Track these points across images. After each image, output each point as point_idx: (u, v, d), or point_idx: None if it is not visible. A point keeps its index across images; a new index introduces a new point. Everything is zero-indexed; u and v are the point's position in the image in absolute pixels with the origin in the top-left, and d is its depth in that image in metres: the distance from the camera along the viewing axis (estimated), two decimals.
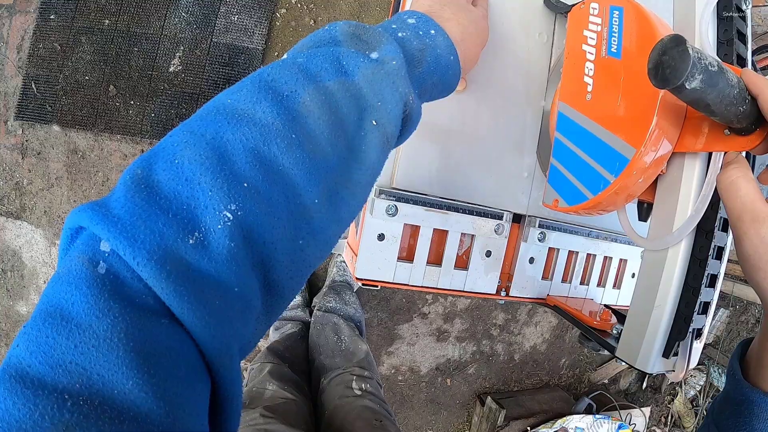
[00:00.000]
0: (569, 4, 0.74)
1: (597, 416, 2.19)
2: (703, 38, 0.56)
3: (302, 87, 0.41)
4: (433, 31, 0.55)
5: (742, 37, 0.58)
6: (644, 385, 2.85)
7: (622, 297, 0.99)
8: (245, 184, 0.35)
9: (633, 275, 0.99)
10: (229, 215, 0.34)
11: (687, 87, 0.40)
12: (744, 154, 0.50)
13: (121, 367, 0.28)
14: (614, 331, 0.72)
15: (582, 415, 2.17)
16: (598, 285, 0.97)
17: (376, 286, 0.76)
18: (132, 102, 1.83)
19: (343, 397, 1.13)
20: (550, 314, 2.46)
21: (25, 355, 0.27)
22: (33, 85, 1.85)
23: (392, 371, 2.22)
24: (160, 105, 1.84)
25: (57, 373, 0.27)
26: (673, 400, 2.89)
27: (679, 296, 0.57)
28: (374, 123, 0.45)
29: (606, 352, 0.72)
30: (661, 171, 0.58)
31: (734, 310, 2.90)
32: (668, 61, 0.40)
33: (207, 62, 1.87)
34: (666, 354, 0.58)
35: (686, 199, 0.56)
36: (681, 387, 2.88)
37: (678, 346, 0.57)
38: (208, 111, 0.39)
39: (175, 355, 0.31)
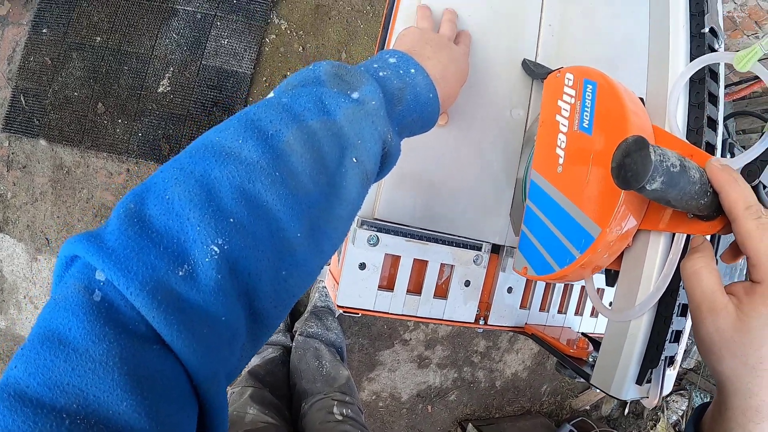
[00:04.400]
0: (545, 71, 0.75)
1: None
2: (672, 124, 0.57)
3: (286, 126, 0.43)
4: (413, 70, 0.57)
5: (712, 124, 0.59)
6: (626, 411, 2.86)
7: (599, 325, 1.01)
8: (231, 220, 0.37)
9: (610, 304, 1.00)
10: (216, 249, 0.35)
11: (647, 188, 0.41)
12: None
13: (116, 389, 0.29)
14: (590, 359, 0.73)
15: None
16: (576, 314, 0.98)
17: (357, 314, 0.77)
18: (120, 120, 1.82)
19: (324, 422, 1.13)
20: (532, 342, 2.45)
21: (24, 376, 0.29)
22: (22, 98, 1.84)
23: (373, 397, 2.21)
24: (148, 125, 1.84)
25: (55, 394, 0.28)
26: (655, 425, 2.89)
27: (652, 325, 0.58)
28: (354, 160, 0.47)
29: (579, 378, 0.73)
30: (627, 244, 0.58)
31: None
32: (630, 164, 0.41)
33: (196, 84, 1.87)
34: (639, 381, 0.59)
35: (649, 274, 0.57)
36: (663, 412, 2.89)
37: (651, 373, 0.58)
38: (197, 148, 0.40)
39: (166, 379, 0.32)
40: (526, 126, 0.80)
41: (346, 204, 0.47)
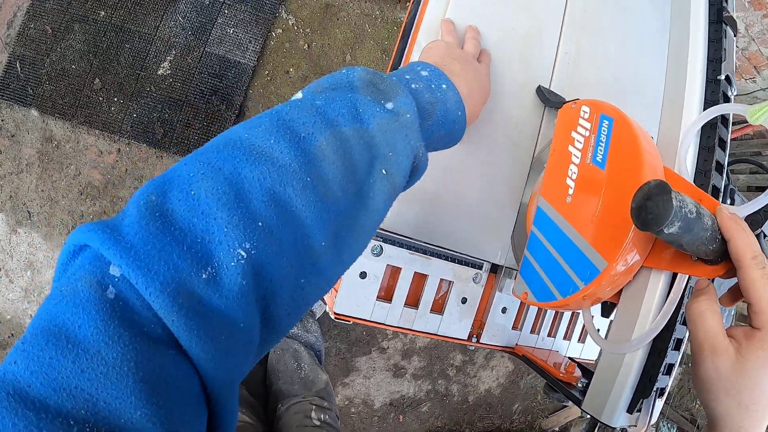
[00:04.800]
0: (559, 101, 0.76)
1: None
2: (681, 167, 0.59)
3: (319, 130, 0.42)
4: (444, 86, 0.57)
5: (719, 168, 0.61)
6: None
7: (585, 351, 1.03)
8: (260, 223, 0.36)
9: (598, 330, 1.02)
10: (243, 253, 0.34)
11: (665, 232, 0.43)
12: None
13: (130, 396, 0.28)
14: (579, 384, 0.74)
15: None
16: (564, 338, 1.00)
17: (349, 321, 0.78)
18: (115, 99, 1.81)
19: (301, 426, 1.13)
20: (507, 359, 2.49)
21: (25, 373, 0.27)
22: (18, 65, 1.81)
23: (346, 402, 2.22)
24: (144, 106, 1.82)
25: (61, 397, 0.26)
26: None
27: (647, 357, 0.60)
28: (384, 172, 0.46)
29: (566, 402, 0.74)
30: (630, 279, 0.60)
31: (686, 367, 2.98)
32: (652, 207, 0.43)
33: (197, 71, 1.86)
34: (630, 410, 0.61)
35: (648, 310, 0.59)
36: None
37: (642, 403, 0.61)
38: (225, 143, 0.39)
39: (180, 386, 0.31)
40: (534, 151, 0.82)
41: (371, 215, 0.46)
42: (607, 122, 0.62)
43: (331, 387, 1.41)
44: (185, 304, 0.31)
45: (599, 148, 0.62)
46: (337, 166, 0.42)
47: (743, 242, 0.46)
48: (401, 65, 0.75)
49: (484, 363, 2.44)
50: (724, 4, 0.66)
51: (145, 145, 1.83)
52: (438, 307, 0.83)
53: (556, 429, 2.75)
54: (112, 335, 0.29)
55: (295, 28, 1.95)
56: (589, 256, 0.58)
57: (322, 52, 1.99)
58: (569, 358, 0.92)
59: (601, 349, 0.65)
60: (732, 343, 0.46)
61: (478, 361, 2.42)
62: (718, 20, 0.66)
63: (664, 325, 0.57)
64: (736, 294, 0.52)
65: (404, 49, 0.77)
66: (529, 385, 2.66)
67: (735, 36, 0.67)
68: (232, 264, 0.34)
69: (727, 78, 0.64)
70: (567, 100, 0.79)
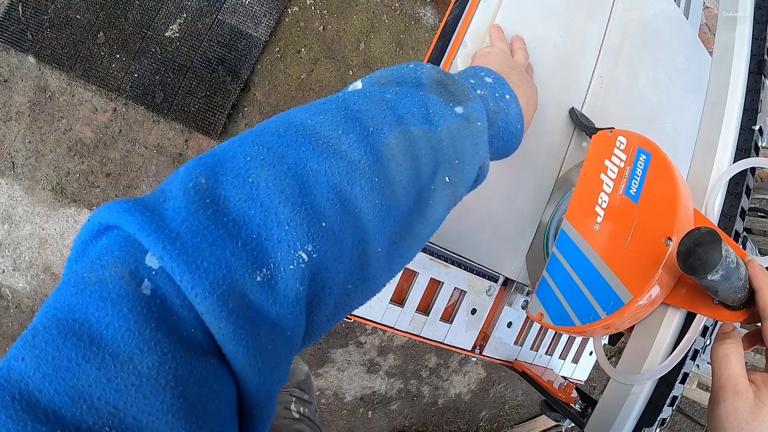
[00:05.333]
0: (590, 125, 0.78)
1: None
2: (709, 211, 0.61)
3: (389, 127, 0.40)
4: (507, 96, 0.56)
5: (743, 214, 0.64)
6: None
7: (578, 371, 1.07)
8: (324, 224, 0.33)
9: (591, 353, 1.06)
10: (304, 256, 0.31)
11: (708, 279, 0.45)
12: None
13: (166, 414, 0.24)
14: (576, 406, 0.77)
15: None
16: (560, 357, 1.03)
17: (350, 319, 0.78)
18: (118, 56, 1.77)
19: (280, 418, 1.12)
20: (480, 366, 2.53)
21: (35, 375, 0.23)
22: (20, 8, 1.76)
23: (317, 393, 2.23)
24: (147, 67, 1.79)
25: (80, 409, 0.23)
26: None
27: (654, 388, 0.63)
28: (447, 180, 0.44)
29: (563, 422, 0.77)
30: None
31: None
32: (701, 253, 0.45)
33: (206, 37, 1.84)
34: None
35: (660, 345, 0.61)
36: None
37: (644, 430, 0.63)
38: (286, 127, 0.37)
39: (220, 401, 0.28)
40: (559, 172, 0.84)
41: (427, 224, 0.44)
42: (644, 157, 0.64)
43: (312, 380, 1.42)
44: (236, 310, 0.28)
45: (634, 181, 0.64)
46: (405, 169, 0.40)
47: None
48: (441, 63, 0.75)
49: (457, 368, 2.48)
50: (766, 57, 0.69)
51: (143, 107, 1.80)
52: (447, 316, 0.85)
53: None
54: (148, 340, 0.25)
55: (312, 8, 1.93)
56: (614, 287, 0.60)
57: (336, 36, 1.98)
58: (562, 376, 0.95)
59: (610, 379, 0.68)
60: (751, 386, 0.49)
61: (452, 365, 2.46)
62: (758, 71, 0.68)
63: (677, 363, 0.59)
64: (753, 340, 0.55)
65: (444, 48, 0.77)
66: (499, 395, 2.71)
67: None
68: (291, 267, 0.31)
69: (760, 129, 0.66)
70: (598, 125, 0.81)
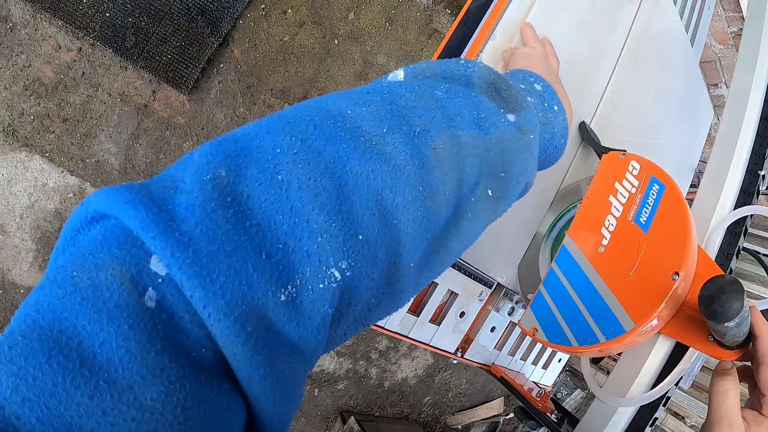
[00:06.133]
0: (598, 142, 0.80)
1: None
2: (710, 246, 0.64)
3: (437, 129, 0.36)
4: (556, 107, 0.53)
5: (738, 252, 0.68)
6: None
7: (546, 377, 1.13)
8: (360, 237, 0.30)
9: (559, 360, 1.11)
10: (337, 274, 0.28)
11: (723, 325, 0.47)
12: None
13: None
14: (552, 416, 0.80)
15: None
16: (533, 363, 1.07)
17: None
18: None
19: None
20: (429, 353, 2.59)
21: (12, 397, 0.20)
22: None
23: None
24: (120, 8, 1.70)
25: None
26: None
27: (638, 409, 0.67)
28: (489, 193, 0.41)
29: (538, 430, 0.80)
30: None
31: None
32: (724, 301, 0.47)
33: None
34: None
35: (648, 372, 0.65)
36: None
37: None
38: (323, 116, 0.33)
39: (231, 429, 0.25)
40: (561, 184, 0.86)
41: (462, 238, 0.40)
42: (657, 187, 0.66)
43: None
44: (254, 333, 0.24)
45: (644, 209, 0.66)
46: (449, 178, 0.36)
47: None
48: (463, 53, 0.73)
49: (406, 352, 2.53)
50: None
51: (110, 50, 1.71)
52: (435, 317, 0.86)
53: (459, 427, 2.91)
54: (152, 366, 0.22)
55: None
56: (616, 313, 0.62)
57: (326, 1, 1.93)
58: (533, 381, 0.99)
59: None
60: (743, 423, 0.53)
61: (402, 349, 2.51)
62: None
63: (665, 392, 0.63)
64: (741, 377, 0.58)
65: (467, 37, 0.75)
66: (444, 381, 2.79)
67: None
68: (321, 287, 0.27)
69: (764, 175, 0.70)
70: (601, 138, 0.83)
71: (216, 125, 1.86)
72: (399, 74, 0.44)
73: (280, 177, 0.28)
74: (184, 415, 0.22)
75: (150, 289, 0.23)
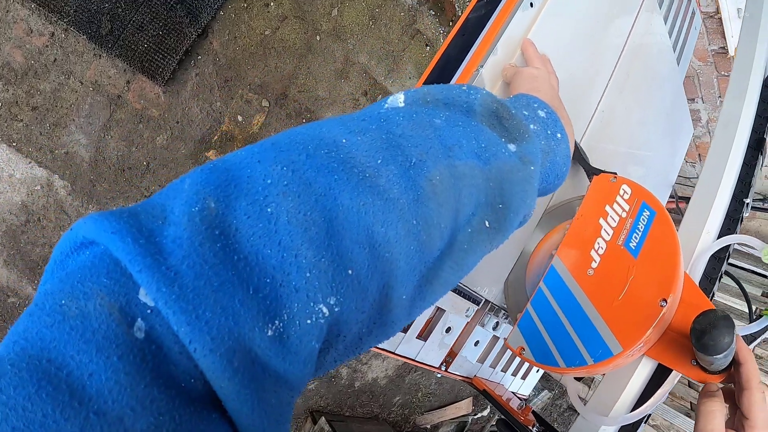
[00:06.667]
0: (588, 162, 0.82)
1: None
2: (694, 271, 0.67)
3: (434, 158, 0.36)
4: (559, 135, 0.52)
5: (720, 277, 0.70)
6: None
7: (525, 386, 1.16)
8: (350, 271, 0.30)
9: (537, 371, 1.14)
10: (325, 310, 0.28)
11: (713, 358, 0.49)
12: None
13: None
14: (534, 429, 0.82)
15: None
16: (512, 374, 1.10)
17: None
18: None
19: None
20: None
21: (3, 427, 0.20)
22: None
23: None
24: None
25: None
26: None
27: (620, 428, 0.69)
28: (486, 225, 0.40)
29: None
30: None
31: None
32: (716, 335, 0.49)
33: None
34: None
35: (631, 391, 0.68)
36: None
37: None
38: (316, 145, 0.32)
39: None
40: (548, 203, 0.87)
41: (458, 269, 0.40)
42: (648, 213, 0.67)
43: None
44: (241, 368, 0.25)
45: (635, 235, 0.67)
46: (445, 210, 0.36)
47: (754, 369, 0.55)
48: (462, 65, 0.71)
49: (377, 353, 2.54)
50: (765, 135, 0.75)
51: (85, 37, 1.66)
52: (422, 333, 0.87)
53: (428, 426, 2.95)
54: (141, 398, 0.22)
55: None
56: (604, 336, 0.64)
57: None
58: (511, 392, 1.01)
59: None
60: None
61: (373, 349, 2.52)
62: (757, 147, 0.74)
63: (648, 413, 0.65)
64: (725, 398, 0.61)
65: (466, 48, 0.73)
66: (414, 382, 2.82)
67: (762, 165, 0.76)
68: (308, 322, 0.27)
69: (748, 203, 0.73)
70: (591, 162, 0.85)
71: (191, 119, 1.83)
72: (399, 98, 0.43)
73: (269, 210, 0.28)
74: None
75: (139, 319, 0.24)
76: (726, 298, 2.45)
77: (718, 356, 0.50)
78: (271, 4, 1.86)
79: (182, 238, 0.25)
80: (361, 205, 0.31)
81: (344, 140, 0.34)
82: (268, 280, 0.27)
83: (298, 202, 0.29)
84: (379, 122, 0.37)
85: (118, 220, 0.25)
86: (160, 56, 1.74)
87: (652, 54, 0.98)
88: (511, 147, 0.44)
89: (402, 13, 2.07)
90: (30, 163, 1.68)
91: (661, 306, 0.60)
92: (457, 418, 2.98)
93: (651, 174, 1.11)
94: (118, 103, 1.74)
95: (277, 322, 0.26)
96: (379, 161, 0.33)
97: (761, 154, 0.75)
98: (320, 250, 0.28)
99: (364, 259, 0.31)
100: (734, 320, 0.51)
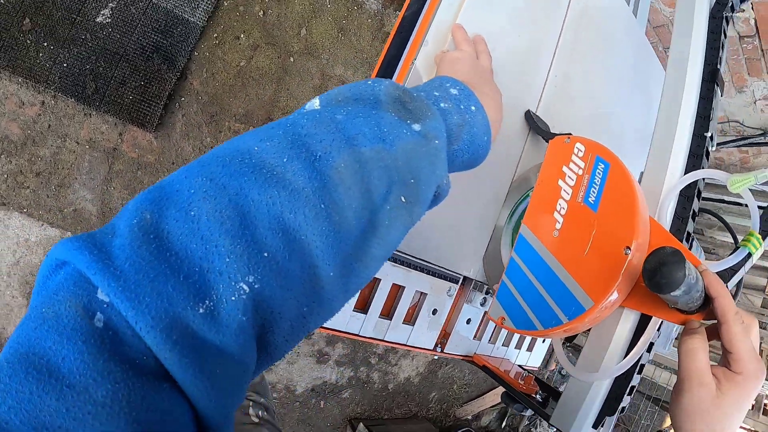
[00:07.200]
0: (546, 129, 0.80)
1: None
2: (662, 214, 0.64)
3: (337, 150, 0.40)
4: (473, 107, 0.55)
5: (694, 216, 0.67)
6: (503, 424, 3.09)
7: (532, 358, 1.13)
8: (265, 254, 0.34)
9: (543, 340, 1.11)
10: (245, 287, 0.32)
11: (670, 295, 0.47)
12: None
13: None
14: (537, 396, 0.80)
15: None
16: (516, 347, 1.07)
17: (323, 332, 0.78)
18: (46, 44, 1.65)
19: (239, 424, 1.11)
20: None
21: (1, 407, 0.25)
22: None
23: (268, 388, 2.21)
24: (77, 56, 1.68)
25: None
26: None
27: (613, 380, 0.67)
28: (402, 200, 0.44)
29: (525, 412, 0.80)
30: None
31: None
32: (666, 272, 0.47)
33: (140, 23, 1.74)
34: (595, 425, 0.68)
35: (617, 344, 0.66)
36: (536, 429, 3.17)
37: (605, 419, 0.68)
38: (232, 156, 0.37)
39: (174, 424, 0.29)
40: (515, 174, 0.85)
41: (383, 245, 0.43)
42: (602, 165, 0.65)
43: (266, 381, 1.40)
44: (179, 341, 0.29)
45: (592, 189, 0.65)
46: (354, 192, 0.40)
47: (728, 302, 0.53)
48: (400, 62, 0.73)
49: (405, 352, 2.52)
50: (718, 66, 0.72)
51: (73, 99, 1.69)
52: (409, 318, 0.86)
53: (469, 417, 2.91)
54: (101, 371, 0.27)
55: None
56: (575, 293, 0.62)
57: (277, 21, 1.92)
58: (518, 365, 0.98)
59: (552, 363, 0.71)
60: (713, 379, 0.53)
61: (400, 350, 2.50)
62: (712, 80, 0.71)
63: (633, 363, 0.63)
64: (710, 335, 0.58)
65: (403, 46, 0.75)
66: (447, 376, 2.78)
67: (721, 96, 0.73)
68: (233, 299, 0.32)
69: (711, 136, 0.70)
70: (551, 124, 0.82)
71: (185, 158, 1.85)
72: (315, 102, 0.47)
73: (192, 213, 0.33)
74: (129, 407, 0.27)
75: (98, 313, 0.29)
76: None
77: (675, 293, 0.48)
78: (241, 36, 1.88)
79: (124, 245, 0.31)
80: (268, 198, 0.35)
81: (256, 148, 0.38)
82: (196, 269, 0.31)
83: (214, 203, 0.34)
84: (285, 127, 0.41)
85: (78, 240, 0.31)
86: (146, 105, 1.76)
87: (602, 10, 0.95)
88: (416, 126, 0.47)
89: (369, 20, 2.07)
90: (42, 225, 1.71)
91: (626, 254, 0.58)
92: (498, 404, 2.93)
93: (628, 129, 1.08)
94: (115, 156, 1.77)
95: (207, 301, 0.31)
96: (285, 160, 0.37)
97: (717, 85, 0.72)
98: (235, 238, 0.33)
99: (279, 242, 0.35)
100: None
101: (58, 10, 1.66)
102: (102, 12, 1.71)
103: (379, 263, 0.45)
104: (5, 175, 1.66)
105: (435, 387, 2.74)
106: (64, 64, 1.68)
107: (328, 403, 2.37)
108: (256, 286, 0.33)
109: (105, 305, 0.29)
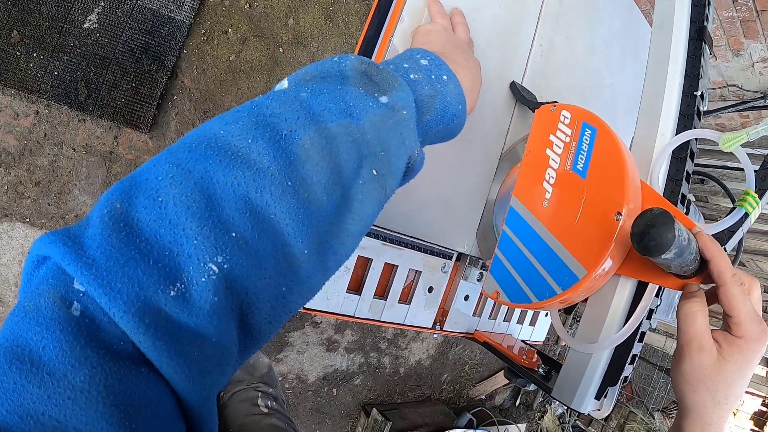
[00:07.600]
0: (532, 99, 0.76)
1: (478, 431, 2.35)
2: (654, 181, 0.61)
3: (303, 127, 0.39)
4: (445, 77, 0.54)
5: (688, 177, 0.64)
6: (517, 402, 3.09)
7: (536, 333, 1.10)
8: (233, 234, 0.34)
9: (546, 315, 1.09)
10: (214, 268, 0.32)
11: (662, 258, 0.44)
12: None
13: (101, 421, 0.26)
14: (540, 370, 0.78)
15: (464, 430, 2.33)
16: (518, 322, 1.05)
17: (318, 315, 0.77)
18: (35, 54, 1.63)
19: (249, 415, 1.11)
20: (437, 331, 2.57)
21: None
22: None
23: (280, 378, 2.21)
24: (67, 63, 1.66)
25: (28, 425, 0.25)
26: (542, 416, 3.16)
27: (614, 349, 0.65)
28: (374, 173, 0.44)
29: (528, 386, 0.78)
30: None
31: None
32: (654, 234, 0.44)
33: (127, 26, 1.72)
34: (598, 397, 0.66)
35: (615, 313, 0.63)
36: (550, 405, 3.16)
37: (608, 390, 0.66)
38: (198, 141, 0.37)
39: (154, 406, 0.30)
40: (503, 147, 0.82)
41: (358, 219, 0.43)
42: (589, 131, 0.62)
43: (274, 371, 1.40)
44: (152, 324, 0.30)
45: (580, 156, 0.62)
46: (322, 168, 0.39)
47: (724, 263, 0.50)
48: (378, 41, 0.71)
49: (414, 335, 2.51)
50: (705, 23, 0.69)
51: (66, 107, 1.68)
52: (405, 297, 0.84)
53: (483, 397, 2.90)
54: (78, 357, 0.27)
55: None
56: (568, 263, 0.59)
57: (263, 13, 1.89)
58: (521, 340, 0.96)
59: (551, 335, 0.68)
60: (714, 344, 0.50)
61: (409, 333, 2.49)
62: (699, 38, 0.68)
63: (632, 331, 0.60)
64: (710, 299, 0.56)
65: (381, 25, 0.72)
66: (458, 356, 2.77)
67: (710, 54, 0.69)
68: (203, 280, 0.32)
69: (701, 94, 0.67)
70: (539, 95, 0.79)
71: None
72: (284, 83, 0.46)
73: (160, 199, 0.33)
74: (106, 391, 0.27)
75: (75, 302, 0.29)
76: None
77: (667, 256, 0.45)
78: (229, 30, 1.85)
79: (96, 235, 0.31)
80: (233, 179, 0.35)
81: (222, 131, 0.37)
82: (166, 253, 0.31)
83: (181, 188, 0.33)
84: (250, 109, 0.40)
85: (54, 234, 0.31)
86: (139, 106, 1.74)
87: None
88: (383, 99, 0.46)
89: (356, 5, 2.03)
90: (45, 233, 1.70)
91: (617, 220, 0.55)
92: (511, 383, 2.92)
93: (621, 97, 1.04)
94: (112, 159, 1.75)
95: (178, 284, 0.31)
96: (249, 141, 0.37)
97: (705, 43, 0.68)
98: (202, 220, 0.33)
99: (246, 222, 0.34)
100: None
101: (44, 19, 1.64)
102: (88, 18, 1.68)
103: (356, 239, 0.44)
104: (5, 187, 1.65)
105: (446, 368, 2.73)
106: (55, 73, 1.66)
107: (341, 390, 2.36)
108: (225, 266, 0.33)
109: (81, 294, 0.29)
